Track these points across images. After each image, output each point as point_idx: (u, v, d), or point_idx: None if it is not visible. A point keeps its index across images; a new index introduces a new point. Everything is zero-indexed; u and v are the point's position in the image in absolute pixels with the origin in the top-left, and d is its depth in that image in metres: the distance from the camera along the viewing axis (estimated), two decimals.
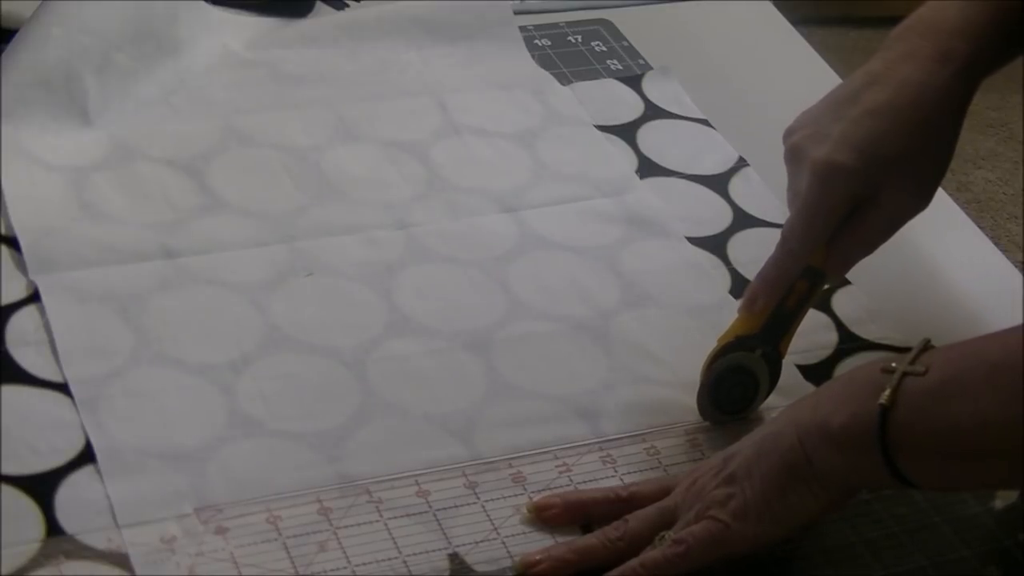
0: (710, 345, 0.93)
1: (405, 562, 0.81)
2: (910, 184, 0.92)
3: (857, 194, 0.90)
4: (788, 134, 0.94)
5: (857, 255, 0.94)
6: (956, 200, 1.17)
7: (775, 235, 1.06)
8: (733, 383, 0.92)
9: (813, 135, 0.91)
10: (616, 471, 0.89)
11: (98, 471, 0.83)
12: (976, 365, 0.77)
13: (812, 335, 1.00)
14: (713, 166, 1.14)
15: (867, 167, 0.89)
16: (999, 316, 0.96)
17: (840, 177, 0.89)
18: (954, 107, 0.92)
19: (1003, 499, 0.90)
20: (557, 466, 0.88)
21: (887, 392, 0.77)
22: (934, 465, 0.78)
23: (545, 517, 0.84)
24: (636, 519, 0.83)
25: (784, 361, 0.96)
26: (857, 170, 0.89)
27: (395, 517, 0.84)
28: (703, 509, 0.81)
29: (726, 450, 0.84)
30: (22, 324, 0.92)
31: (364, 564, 0.81)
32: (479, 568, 0.82)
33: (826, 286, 0.94)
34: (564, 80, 1.21)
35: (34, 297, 0.93)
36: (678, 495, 0.83)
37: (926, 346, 0.80)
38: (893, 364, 0.79)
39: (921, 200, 0.93)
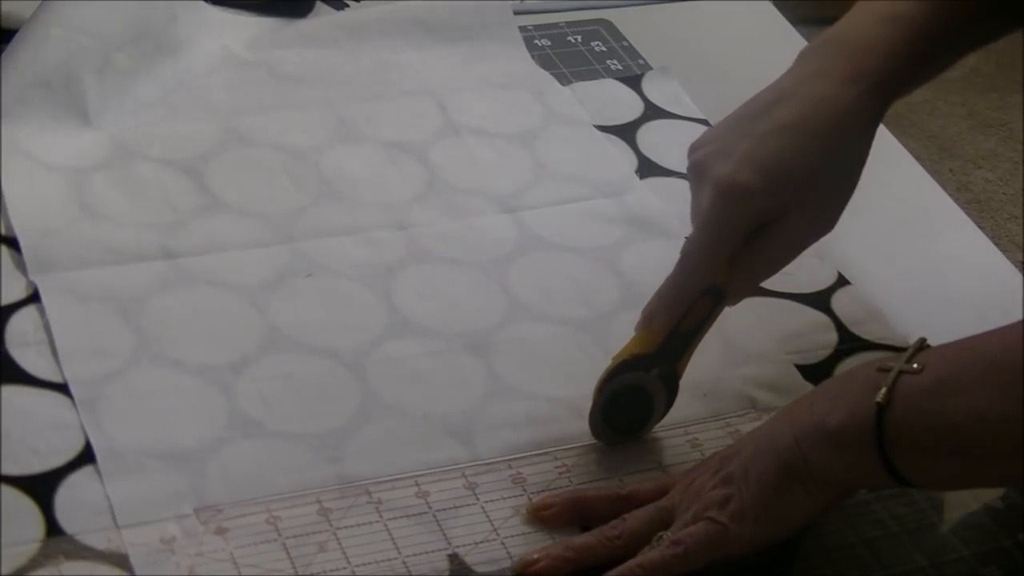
0: (711, 345, 0.93)
1: (405, 563, 0.81)
2: (816, 205, 0.89)
3: (761, 214, 0.88)
4: (692, 149, 0.91)
5: (760, 275, 0.92)
6: (956, 200, 1.17)
7: None
8: (627, 403, 0.89)
9: (717, 151, 0.89)
10: (616, 471, 0.89)
11: (98, 471, 0.83)
12: (973, 362, 0.77)
13: (812, 335, 1.00)
14: None
15: (772, 186, 0.87)
16: (999, 316, 0.96)
17: (743, 196, 0.87)
18: (864, 126, 0.90)
19: (1003, 499, 0.90)
20: (557, 467, 0.88)
21: (883, 390, 0.77)
22: (931, 463, 0.78)
23: (543, 517, 0.84)
24: (634, 518, 0.83)
25: (785, 362, 0.96)
26: (761, 189, 0.87)
27: (395, 518, 0.84)
28: (701, 510, 0.81)
29: (724, 450, 0.84)
30: (22, 324, 0.92)
31: (364, 564, 0.81)
32: (479, 569, 0.82)
33: (728, 306, 0.91)
34: (564, 80, 1.21)
35: (34, 297, 0.93)
36: (676, 495, 0.83)
37: (922, 345, 0.80)
38: (890, 363, 0.79)
39: (827, 221, 0.91)
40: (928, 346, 0.80)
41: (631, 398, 0.89)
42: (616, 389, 0.88)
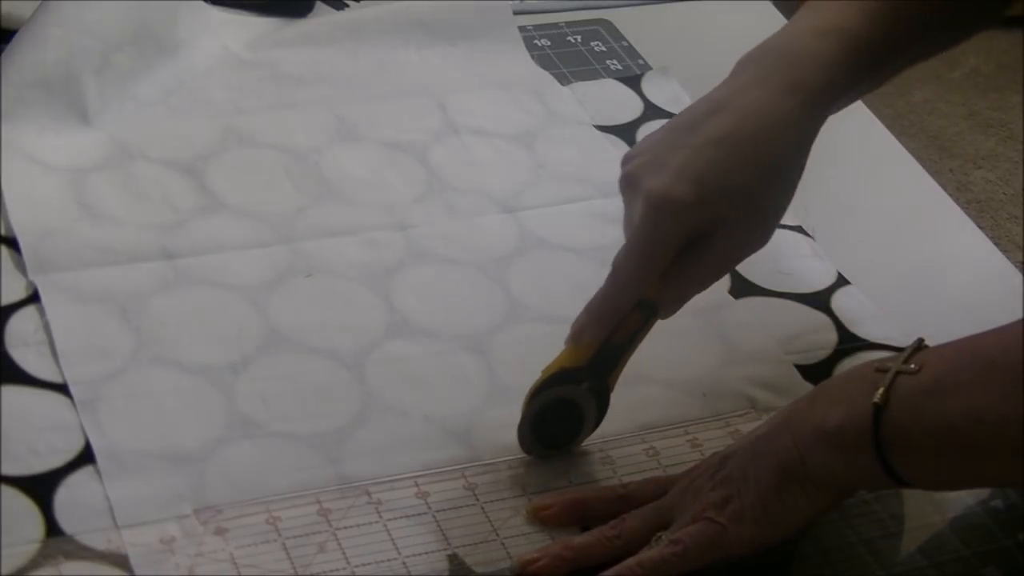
0: (711, 345, 0.93)
1: (404, 563, 0.81)
2: (750, 218, 0.88)
3: (693, 227, 0.86)
4: (625, 160, 0.88)
5: (693, 290, 0.89)
6: (956, 200, 1.17)
7: (774, 235, 1.06)
8: (557, 417, 0.87)
9: (650, 163, 0.86)
10: (615, 472, 0.89)
11: (97, 472, 0.83)
12: (970, 362, 0.77)
13: (812, 335, 1.00)
14: None
15: (705, 200, 0.85)
16: (999, 316, 0.96)
17: (675, 210, 0.84)
18: (801, 138, 0.88)
19: (1003, 498, 0.90)
20: (556, 467, 0.88)
21: (881, 391, 0.77)
22: (929, 464, 0.78)
23: (543, 517, 0.84)
24: (633, 517, 0.83)
25: (785, 362, 0.96)
26: (694, 203, 0.84)
27: (395, 518, 0.84)
28: (699, 510, 0.81)
29: (723, 450, 0.84)
30: (22, 325, 0.92)
31: (364, 565, 0.81)
32: (478, 569, 0.82)
33: (661, 319, 0.89)
34: (564, 80, 1.21)
35: (34, 298, 0.93)
36: (675, 495, 0.83)
37: (920, 345, 0.80)
38: (888, 363, 0.79)
39: (762, 235, 0.89)
40: (926, 346, 0.80)
41: (561, 412, 0.87)
42: (545, 402, 0.87)
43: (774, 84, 0.87)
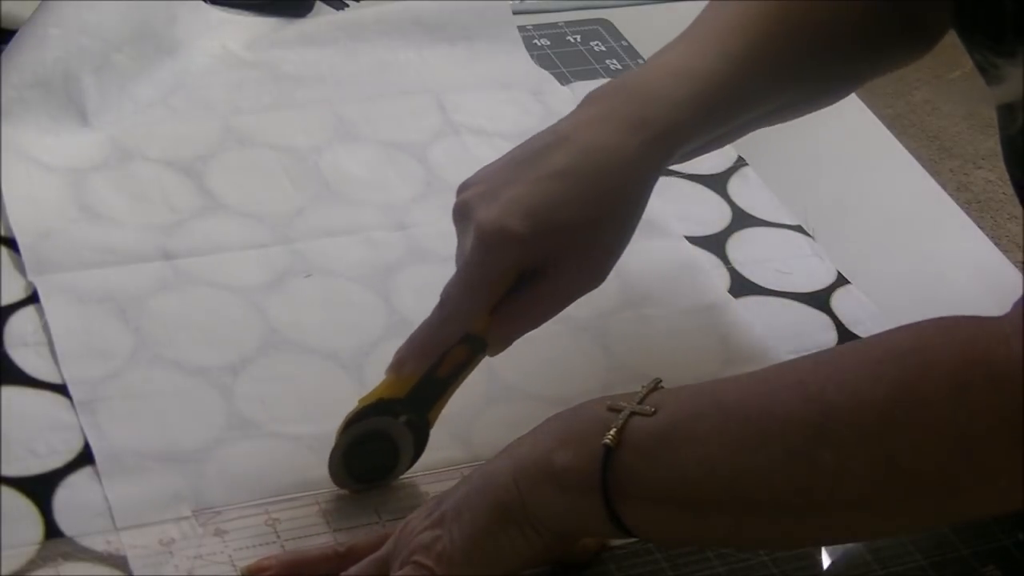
0: (710, 345, 0.93)
1: None
2: (584, 257, 0.84)
3: (525, 263, 0.82)
4: (461, 189, 0.85)
5: (523, 327, 0.85)
6: (956, 200, 1.17)
7: (774, 234, 1.07)
8: (370, 449, 0.84)
9: (485, 194, 0.83)
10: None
11: (97, 473, 0.83)
12: (708, 410, 0.73)
13: (811, 334, 1.00)
14: (712, 165, 1.14)
15: (538, 235, 0.81)
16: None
17: (506, 244, 0.81)
18: (642, 177, 0.85)
19: None
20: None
21: (612, 431, 0.73)
22: (658, 514, 0.74)
23: None
24: (350, 574, 0.78)
25: (783, 360, 0.96)
26: (525, 238, 0.81)
27: (394, 519, 0.83)
28: (408, 554, 0.76)
29: (443, 492, 0.79)
30: (21, 325, 0.92)
31: None
32: None
33: (489, 356, 0.86)
34: (563, 80, 1.21)
35: (33, 298, 0.93)
36: (391, 543, 0.78)
37: (656, 386, 0.76)
38: (621, 402, 0.75)
39: (596, 274, 0.85)
40: (663, 387, 0.76)
41: (375, 444, 0.84)
42: (359, 433, 0.83)
43: (619, 121, 0.84)
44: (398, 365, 0.84)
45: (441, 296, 0.84)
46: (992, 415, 0.68)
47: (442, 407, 0.85)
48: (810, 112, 0.96)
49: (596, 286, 0.86)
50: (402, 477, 0.86)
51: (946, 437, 0.69)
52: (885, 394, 0.69)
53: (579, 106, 0.87)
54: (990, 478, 0.69)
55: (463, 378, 0.85)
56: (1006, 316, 0.70)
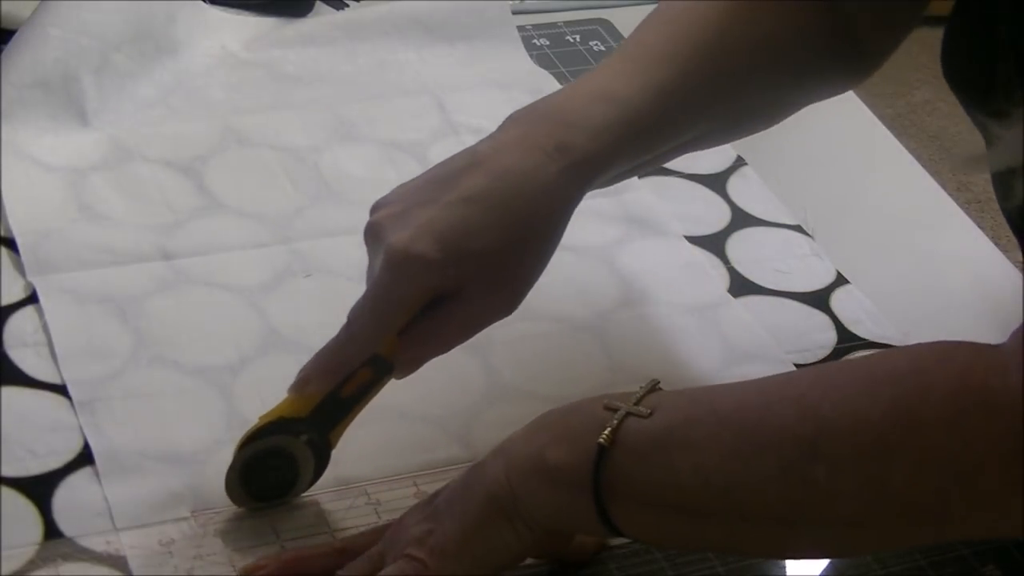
0: (710, 344, 0.93)
1: None
2: (497, 283, 0.82)
3: (434, 287, 0.80)
4: (374, 209, 0.83)
5: (431, 351, 0.84)
6: (956, 200, 1.17)
7: (774, 234, 1.06)
8: (269, 467, 0.82)
9: (397, 215, 0.81)
10: None
11: (96, 473, 0.83)
12: (704, 416, 0.73)
13: (811, 334, 1.00)
14: (711, 165, 1.14)
15: (448, 260, 0.79)
16: (999, 316, 0.96)
17: (415, 268, 0.79)
18: (560, 204, 0.83)
19: None
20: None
21: (607, 431, 0.73)
22: (648, 517, 0.74)
23: None
24: (345, 570, 0.77)
25: (784, 361, 0.96)
26: (436, 262, 0.79)
27: (394, 519, 0.83)
28: (401, 548, 0.75)
29: (440, 488, 0.79)
30: (20, 325, 0.92)
31: None
32: None
33: (396, 379, 0.84)
34: (563, 80, 1.21)
35: (32, 298, 0.93)
36: (386, 539, 0.78)
37: (654, 387, 0.75)
38: (618, 402, 0.74)
39: (509, 301, 0.84)
40: (660, 388, 0.76)
41: (274, 462, 0.82)
42: (258, 451, 0.81)
43: (538, 145, 0.82)
44: (301, 384, 0.82)
45: (348, 316, 0.82)
46: (987, 443, 0.67)
47: (344, 428, 0.83)
48: (746, 136, 0.95)
49: (509, 312, 0.84)
50: (402, 477, 0.86)
51: (940, 462, 0.68)
52: (881, 415, 0.69)
53: (500, 127, 0.85)
54: (983, 505, 0.69)
55: (368, 400, 0.84)
56: (1005, 345, 0.70)
